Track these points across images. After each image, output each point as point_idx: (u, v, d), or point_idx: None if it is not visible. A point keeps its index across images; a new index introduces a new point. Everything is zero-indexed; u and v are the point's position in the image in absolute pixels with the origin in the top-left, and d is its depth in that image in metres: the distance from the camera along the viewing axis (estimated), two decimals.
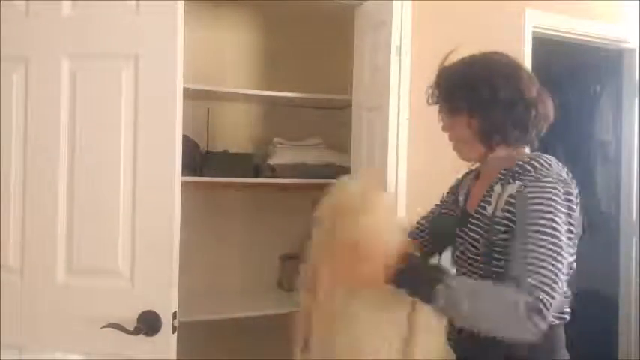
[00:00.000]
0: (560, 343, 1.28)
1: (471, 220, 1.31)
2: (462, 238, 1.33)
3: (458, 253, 1.36)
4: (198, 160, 2.53)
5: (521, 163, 1.28)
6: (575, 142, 3.50)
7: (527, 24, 2.44)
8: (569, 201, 1.17)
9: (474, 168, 1.44)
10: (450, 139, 1.42)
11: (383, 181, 1.51)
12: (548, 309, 1.01)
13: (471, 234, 1.29)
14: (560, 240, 1.09)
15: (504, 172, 1.30)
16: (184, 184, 1.53)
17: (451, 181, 2.28)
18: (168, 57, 1.39)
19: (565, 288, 1.12)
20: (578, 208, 1.21)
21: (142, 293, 1.39)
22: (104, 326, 1.34)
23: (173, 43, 1.39)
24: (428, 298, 1.08)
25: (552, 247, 1.08)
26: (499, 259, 1.21)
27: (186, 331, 1.71)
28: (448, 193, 1.53)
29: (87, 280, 1.43)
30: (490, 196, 1.28)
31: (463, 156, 1.40)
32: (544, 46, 2.55)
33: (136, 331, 1.34)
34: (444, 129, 1.43)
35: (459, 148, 1.40)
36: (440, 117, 1.44)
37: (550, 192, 1.15)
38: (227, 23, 2.80)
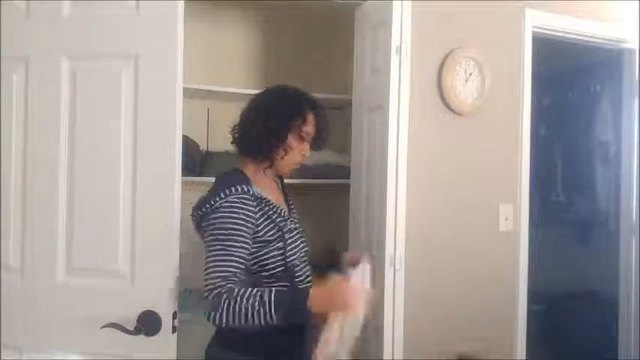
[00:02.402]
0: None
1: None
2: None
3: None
4: (198, 160, 2.53)
5: None
6: (575, 142, 3.50)
7: (527, 24, 2.44)
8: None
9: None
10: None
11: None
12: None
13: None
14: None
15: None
16: (184, 184, 1.53)
17: (451, 181, 2.29)
18: (169, 57, 1.40)
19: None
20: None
21: (142, 293, 1.39)
22: (104, 326, 1.34)
23: (173, 43, 1.39)
24: None
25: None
26: None
27: (186, 330, 1.72)
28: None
29: (87, 280, 1.43)
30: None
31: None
32: (544, 46, 2.55)
33: (136, 331, 1.34)
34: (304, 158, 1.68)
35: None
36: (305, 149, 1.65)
37: None
38: (227, 23, 2.80)
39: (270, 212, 1.51)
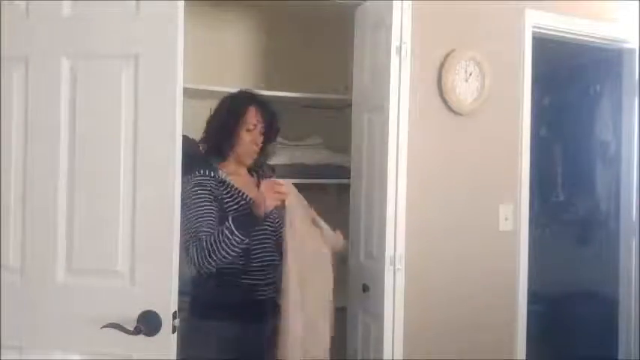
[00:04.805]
0: None
1: None
2: None
3: None
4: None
5: None
6: (575, 142, 3.50)
7: (527, 24, 2.44)
8: None
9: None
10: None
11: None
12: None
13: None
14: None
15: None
16: None
17: (451, 181, 2.29)
18: (169, 57, 1.39)
19: None
20: None
21: (142, 293, 1.39)
22: (104, 326, 1.34)
23: (173, 43, 1.39)
24: None
25: None
26: None
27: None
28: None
29: (87, 280, 1.43)
30: None
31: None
32: (544, 46, 2.55)
33: (136, 331, 1.34)
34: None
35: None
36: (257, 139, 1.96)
37: None
38: (227, 23, 2.80)
39: (234, 194, 1.86)
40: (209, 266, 1.71)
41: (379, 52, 2.17)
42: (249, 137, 1.93)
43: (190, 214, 1.74)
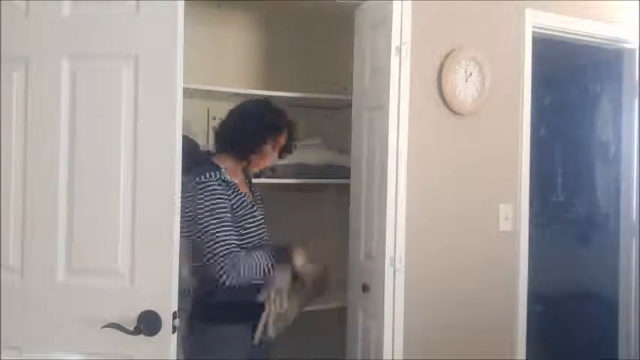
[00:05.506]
0: None
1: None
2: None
3: None
4: (199, 160, 2.53)
5: None
6: (575, 142, 3.50)
7: (527, 24, 2.44)
8: None
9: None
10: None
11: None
12: None
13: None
14: None
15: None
16: None
17: (451, 181, 2.29)
18: (169, 57, 1.39)
19: None
20: None
21: (142, 293, 1.39)
22: (104, 326, 1.34)
23: (173, 43, 1.39)
24: None
25: None
26: None
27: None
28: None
29: (87, 280, 1.43)
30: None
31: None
32: (544, 46, 2.55)
33: (136, 331, 1.34)
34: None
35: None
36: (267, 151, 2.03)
37: None
38: (227, 23, 2.80)
39: (237, 194, 1.90)
40: (235, 281, 1.79)
41: (379, 52, 2.17)
42: (271, 154, 2.04)
43: (213, 222, 1.79)
